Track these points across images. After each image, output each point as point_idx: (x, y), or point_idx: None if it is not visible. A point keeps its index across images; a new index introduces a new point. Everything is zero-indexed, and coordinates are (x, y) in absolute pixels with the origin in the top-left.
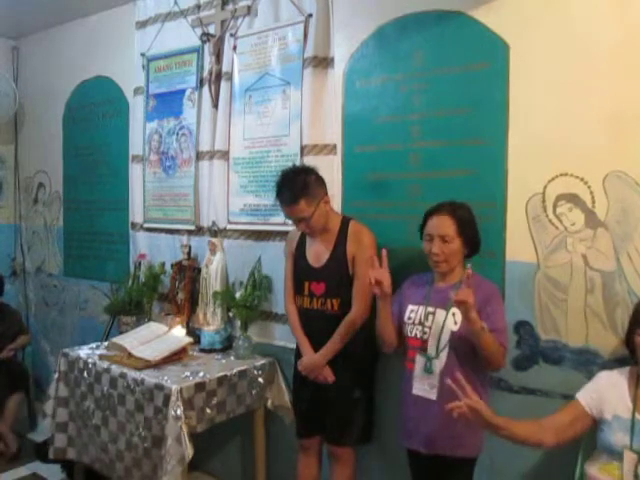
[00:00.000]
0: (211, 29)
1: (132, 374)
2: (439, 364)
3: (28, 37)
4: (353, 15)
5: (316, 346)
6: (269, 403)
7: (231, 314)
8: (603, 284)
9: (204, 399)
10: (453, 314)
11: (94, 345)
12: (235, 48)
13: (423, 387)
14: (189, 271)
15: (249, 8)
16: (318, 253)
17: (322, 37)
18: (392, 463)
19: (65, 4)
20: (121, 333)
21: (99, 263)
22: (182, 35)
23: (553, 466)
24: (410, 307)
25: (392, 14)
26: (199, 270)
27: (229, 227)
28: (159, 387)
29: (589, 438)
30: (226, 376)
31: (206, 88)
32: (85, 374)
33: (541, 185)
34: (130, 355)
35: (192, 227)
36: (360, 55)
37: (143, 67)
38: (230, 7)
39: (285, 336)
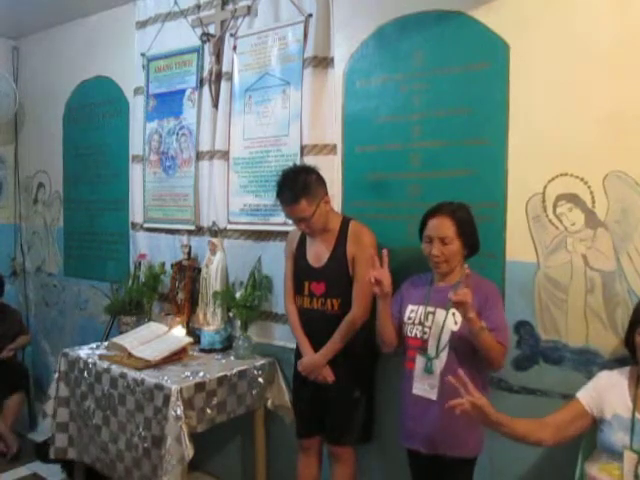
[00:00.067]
0: (211, 29)
1: (132, 374)
2: (439, 364)
3: (28, 37)
4: (353, 15)
5: (316, 346)
6: (269, 403)
7: (231, 314)
8: (603, 284)
9: (204, 399)
10: (453, 314)
11: (94, 345)
12: (235, 48)
13: (423, 387)
14: (189, 271)
15: (249, 8)
16: (318, 253)
17: (322, 37)
18: (392, 463)
19: (65, 4)
20: (121, 333)
21: (99, 263)
22: (182, 35)
23: (553, 466)
24: (410, 307)
25: (392, 14)
26: (199, 270)
27: (229, 227)
28: (159, 387)
29: (589, 438)
30: (226, 376)
31: (206, 88)
32: (85, 374)
33: (541, 185)
34: (130, 355)
35: (192, 227)
36: (360, 55)
37: (143, 67)
38: (230, 7)
39: (285, 336)
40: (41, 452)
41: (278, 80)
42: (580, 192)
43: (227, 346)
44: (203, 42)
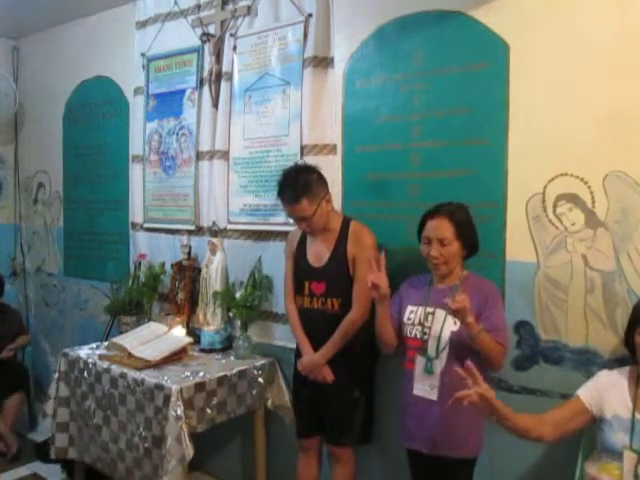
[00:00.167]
0: (211, 29)
1: (132, 374)
2: (439, 364)
3: (28, 37)
4: (353, 15)
5: (316, 346)
6: (269, 403)
7: (231, 314)
8: (603, 284)
9: (204, 399)
10: None
11: (94, 345)
12: (235, 48)
13: (424, 387)
14: (189, 271)
15: (249, 8)
16: (319, 253)
17: (322, 37)
18: (392, 463)
19: (65, 4)
20: (121, 333)
21: (99, 263)
22: (182, 35)
23: (553, 466)
24: (410, 308)
25: (392, 14)
26: (199, 270)
27: (229, 227)
28: (159, 387)
29: (589, 438)
30: (226, 376)
31: (206, 88)
32: (85, 374)
33: (541, 185)
34: (130, 355)
35: (192, 227)
36: (360, 55)
37: (143, 67)
38: (230, 7)
39: (285, 336)
40: (41, 452)
41: (278, 80)
42: (580, 192)
43: (227, 346)
44: (203, 42)
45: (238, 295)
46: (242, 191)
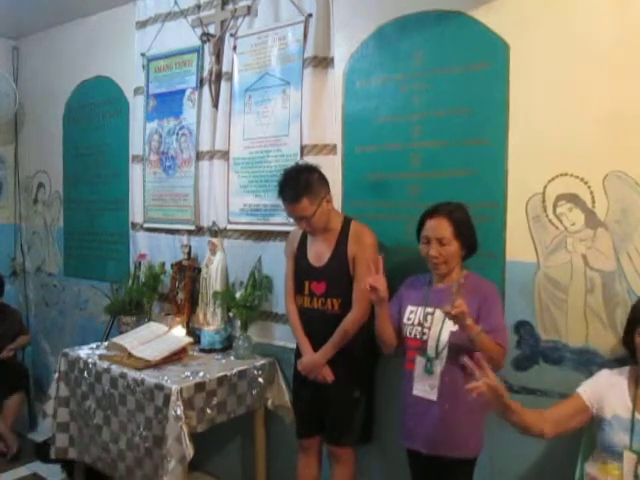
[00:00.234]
0: (211, 29)
1: (132, 374)
2: (439, 365)
3: (28, 37)
4: (353, 15)
5: (316, 346)
6: (269, 403)
7: (231, 314)
8: (603, 284)
9: (204, 399)
10: None
11: (94, 345)
12: (235, 48)
13: (423, 388)
14: (189, 271)
15: (249, 8)
16: (319, 253)
17: (322, 37)
18: (392, 463)
19: (65, 4)
20: (121, 333)
21: (99, 263)
22: (182, 35)
23: (553, 466)
24: (409, 308)
25: (392, 14)
26: (199, 270)
27: (229, 227)
28: (159, 387)
29: (589, 438)
30: (226, 376)
31: (206, 88)
32: (85, 374)
33: (541, 185)
34: (130, 355)
35: (192, 227)
36: (360, 55)
37: (143, 67)
38: (230, 7)
39: (285, 336)
40: (41, 452)
41: (278, 80)
42: (580, 192)
43: (227, 346)
44: (203, 42)
45: (238, 295)
46: (242, 191)
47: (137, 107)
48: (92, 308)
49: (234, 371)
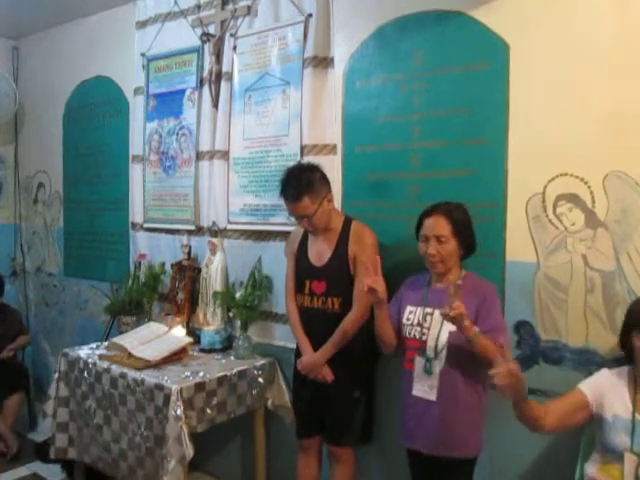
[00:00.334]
0: (211, 29)
1: (132, 374)
2: (438, 365)
3: (28, 37)
4: (353, 15)
5: (316, 345)
6: (269, 403)
7: (231, 314)
8: (603, 284)
9: (204, 399)
10: None
11: (94, 345)
12: (235, 48)
13: (423, 388)
14: (189, 271)
15: (249, 8)
16: (320, 252)
17: (322, 37)
18: (392, 463)
19: (65, 4)
20: (121, 333)
21: (99, 263)
22: (182, 35)
23: (553, 466)
24: (409, 308)
25: (392, 14)
26: (199, 270)
27: (229, 227)
28: (159, 387)
29: (589, 438)
30: (226, 376)
31: (206, 88)
32: (85, 374)
33: (541, 185)
34: (130, 355)
35: (192, 227)
36: (360, 55)
37: (143, 67)
38: (230, 7)
39: (285, 336)
40: (41, 452)
41: (278, 80)
42: (580, 192)
43: (227, 346)
44: (203, 42)
45: (238, 295)
46: (242, 191)
47: (137, 107)
48: (92, 308)
49: (234, 371)
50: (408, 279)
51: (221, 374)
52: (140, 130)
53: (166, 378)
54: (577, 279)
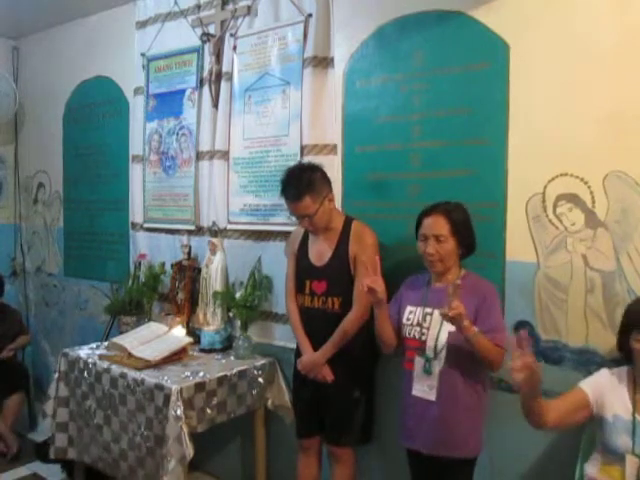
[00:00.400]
0: (211, 29)
1: (132, 374)
2: (438, 365)
3: (28, 37)
4: (353, 15)
5: (316, 345)
6: (269, 403)
7: (231, 314)
8: (603, 284)
9: (204, 399)
10: None
11: (94, 345)
12: (235, 48)
13: (422, 388)
14: (189, 271)
15: (249, 8)
16: (320, 252)
17: (322, 37)
18: (392, 463)
19: (65, 4)
20: (121, 333)
21: (99, 263)
22: (182, 35)
23: (553, 466)
24: (409, 308)
25: (392, 14)
26: (199, 270)
27: (229, 227)
28: (159, 387)
29: (589, 438)
30: (226, 376)
31: (206, 88)
32: (85, 374)
33: (541, 185)
34: (130, 355)
35: (192, 227)
36: (360, 55)
37: (143, 67)
38: (230, 7)
39: (285, 336)
40: (41, 452)
41: (278, 80)
42: (580, 192)
43: (227, 346)
44: (203, 42)
45: (238, 295)
46: (242, 191)
47: (137, 107)
48: (92, 308)
49: (234, 371)
50: (408, 279)
51: (221, 374)
52: (140, 130)
53: (166, 378)
54: (577, 279)
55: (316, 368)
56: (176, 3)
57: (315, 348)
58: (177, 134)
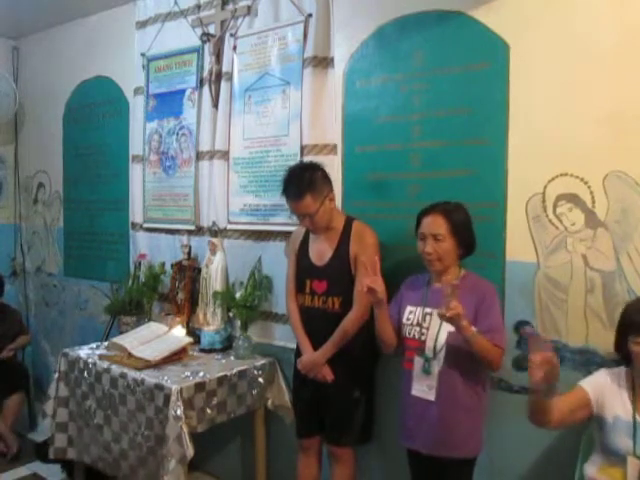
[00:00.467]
0: (211, 29)
1: (132, 374)
2: (437, 365)
3: (28, 37)
4: (353, 15)
5: (316, 345)
6: (269, 403)
7: (231, 314)
8: (603, 284)
9: (204, 399)
10: None
11: (94, 345)
12: (235, 48)
13: (422, 388)
14: (189, 271)
15: (249, 8)
16: (321, 251)
17: (322, 37)
18: (392, 463)
19: (65, 4)
20: (121, 333)
21: (99, 263)
22: (182, 35)
23: (553, 466)
24: (409, 308)
25: (392, 14)
26: (199, 270)
27: (229, 227)
28: (159, 387)
29: (589, 439)
30: (226, 376)
31: (206, 88)
32: (85, 374)
33: (541, 185)
34: (130, 355)
35: (192, 227)
36: (360, 55)
37: (143, 67)
38: (230, 7)
39: (285, 336)
40: (41, 452)
41: (278, 80)
42: (580, 192)
43: (227, 346)
44: (203, 42)
45: (238, 295)
46: (242, 191)
47: (137, 107)
48: (92, 308)
49: (234, 371)
50: (408, 279)
51: (221, 374)
52: (140, 130)
53: (166, 378)
54: (577, 279)
55: (316, 368)
56: (176, 3)
57: (315, 348)
58: (177, 134)
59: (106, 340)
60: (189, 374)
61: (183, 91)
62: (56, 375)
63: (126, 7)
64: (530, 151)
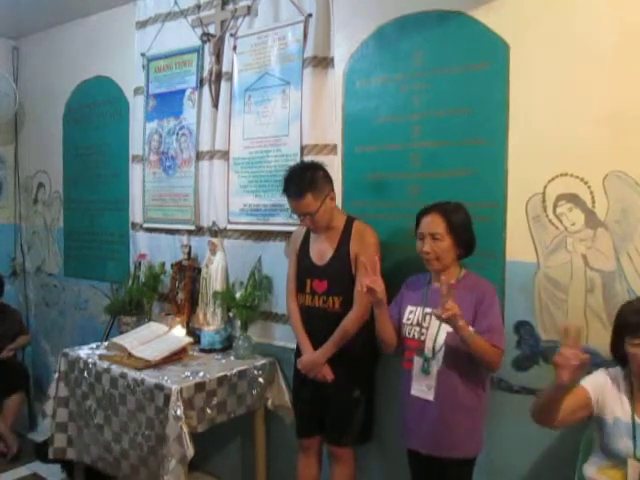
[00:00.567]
0: (211, 29)
1: (132, 374)
2: (436, 365)
3: (28, 37)
4: (353, 15)
5: (317, 344)
6: (269, 403)
7: (231, 314)
8: (603, 284)
9: (204, 399)
10: None
11: (94, 345)
12: (235, 48)
13: (421, 388)
14: (189, 271)
15: (249, 8)
16: (322, 251)
17: (322, 37)
18: (392, 463)
19: (65, 4)
20: (121, 333)
21: (99, 263)
22: (182, 35)
23: (553, 466)
24: (409, 308)
25: (392, 14)
26: (199, 270)
27: (229, 227)
28: (159, 387)
29: (588, 439)
30: (226, 376)
31: (206, 88)
32: (85, 374)
33: (541, 185)
34: (130, 355)
35: (192, 227)
36: (360, 55)
37: (143, 67)
38: (230, 7)
39: (285, 336)
40: (41, 452)
41: (278, 80)
42: (580, 192)
43: (227, 346)
44: (203, 42)
45: (238, 295)
46: (242, 191)
47: (137, 107)
48: (92, 308)
49: (234, 371)
50: (408, 279)
51: (221, 374)
52: (140, 130)
53: (166, 378)
54: (577, 279)
55: (316, 367)
56: (176, 3)
57: (315, 347)
58: (177, 134)
59: (106, 340)
60: (189, 374)
61: (183, 91)
62: (56, 375)
63: (126, 7)
64: (530, 151)
